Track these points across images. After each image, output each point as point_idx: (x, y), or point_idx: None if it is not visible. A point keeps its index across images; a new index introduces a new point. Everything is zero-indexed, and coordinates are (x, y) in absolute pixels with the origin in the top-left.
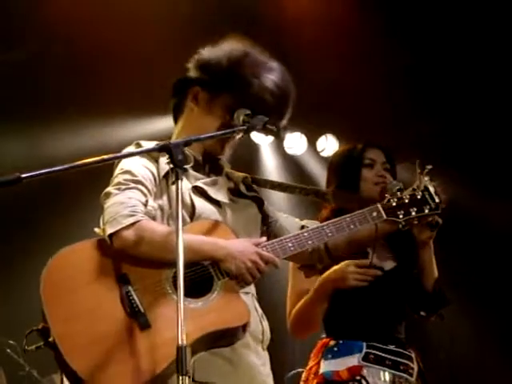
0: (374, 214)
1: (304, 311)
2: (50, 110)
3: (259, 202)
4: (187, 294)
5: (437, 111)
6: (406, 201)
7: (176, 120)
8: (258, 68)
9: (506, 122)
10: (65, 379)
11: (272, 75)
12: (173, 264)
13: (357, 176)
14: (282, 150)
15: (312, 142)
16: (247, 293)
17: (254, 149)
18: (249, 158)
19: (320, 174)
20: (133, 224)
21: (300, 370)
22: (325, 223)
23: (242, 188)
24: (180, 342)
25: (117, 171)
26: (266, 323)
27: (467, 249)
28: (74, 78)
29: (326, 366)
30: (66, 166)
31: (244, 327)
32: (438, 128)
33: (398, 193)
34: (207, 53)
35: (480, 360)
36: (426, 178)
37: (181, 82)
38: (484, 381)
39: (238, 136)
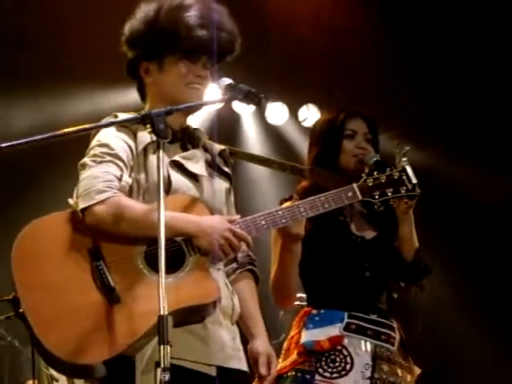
0: (350, 194)
1: (278, 276)
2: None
3: (231, 180)
4: (157, 270)
5: (420, 81)
6: (383, 181)
7: (143, 99)
8: (175, 14)
9: (489, 91)
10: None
11: (192, 11)
12: (145, 239)
13: (337, 147)
14: (264, 120)
15: (293, 112)
16: (218, 269)
17: (235, 118)
18: (230, 127)
19: (301, 144)
20: (105, 200)
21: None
22: (299, 202)
23: (219, 161)
24: (161, 312)
25: (94, 142)
26: (236, 298)
27: (451, 219)
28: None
29: (306, 336)
30: (47, 135)
31: (214, 304)
32: (421, 98)
33: (375, 173)
34: (127, 28)
35: (462, 330)
36: (404, 159)
37: (128, 65)
38: (466, 351)
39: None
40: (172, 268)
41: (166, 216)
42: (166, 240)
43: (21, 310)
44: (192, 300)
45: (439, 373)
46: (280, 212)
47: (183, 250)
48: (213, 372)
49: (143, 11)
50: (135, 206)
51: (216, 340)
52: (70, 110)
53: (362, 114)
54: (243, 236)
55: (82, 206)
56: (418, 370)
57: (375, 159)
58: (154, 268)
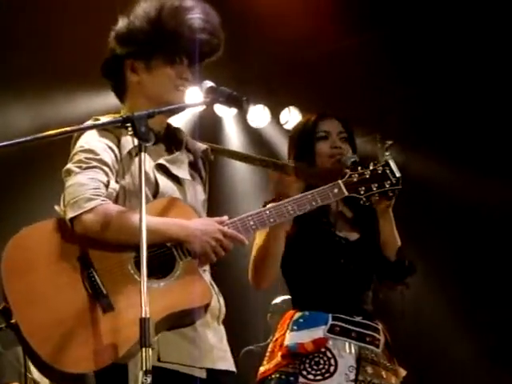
0: (336, 190)
1: (259, 254)
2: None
3: (203, 180)
4: (150, 275)
5: (404, 84)
6: (367, 176)
7: (122, 99)
8: (179, 15)
9: (475, 93)
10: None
11: (195, 14)
12: (135, 245)
13: (311, 150)
14: (245, 123)
15: (275, 115)
16: (204, 270)
17: (217, 121)
18: (212, 130)
19: (283, 146)
20: (94, 208)
21: (252, 347)
22: (286, 200)
23: (200, 163)
24: (143, 315)
25: (77, 148)
26: (221, 299)
27: (434, 220)
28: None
29: (291, 338)
30: (29, 138)
31: (206, 307)
32: (405, 100)
33: (359, 168)
34: (124, 25)
35: (447, 332)
36: (387, 153)
37: (110, 63)
38: (451, 352)
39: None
40: (163, 273)
41: (156, 222)
42: (157, 245)
43: (12, 321)
44: (184, 304)
45: (424, 375)
46: (267, 212)
47: (174, 255)
48: (203, 374)
49: (143, 9)
50: (123, 213)
51: (205, 342)
52: (68, 111)
53: (335, 115)
54: (234, 235)
55: (70, 215)
56: (403, 372)
57: (353, 160)
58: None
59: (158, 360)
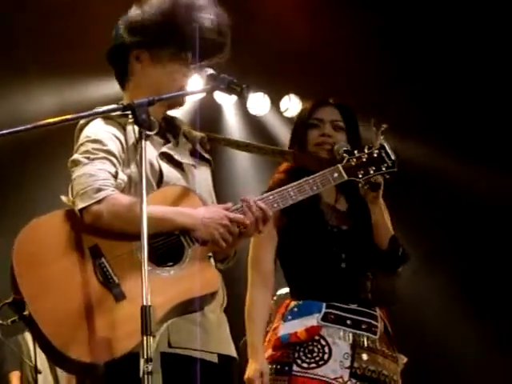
0: (336, 174)
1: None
2: (11, 70)
3: (211, 165)
4: (159, 264)
5: (403, 73)
6: (364, 160)
7: (123, 86)
8: (191, 12)
9: (474, 85)
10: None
11: (206, 13)
12: None
13: (303, 137)
14: (245, 111)
15: (275, 103)
16: (210, 256)
17: (216, 109)
18: (211, 118)
19: (283, 134)
20: (103, 199)
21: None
22: (288, 186)
23: (199, 149)
24: (144, 302)
25: (83, 138)
26: (224, 287)
27: (433, 205)
28: (37, 36)
29: (284, 328)
30: (28, 126)
31: (214, 293)
32: (405, 89)
33: (355, 152)
34: (136, 14)
35: (448, 318)
36: (382, 137)
37: (117, 49)
38: (452, 339)
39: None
40: (173, 261)
41: (164, 210)
42: (165, 234)
43: (25, 313)
44: (194, 291)
45: (427, 362)
46: (271, 197)
47: (182, 242)
48: (215, 359)
49: (157, 1)
50: (133, 203)
51: (213, 327)
52: (94, 96)
53: (334, 102)
54: (241, 220)
55: (80, 205)
56: (403, 359)
57: (344, 148)
58: (156, 262)
59: (169, 346)
